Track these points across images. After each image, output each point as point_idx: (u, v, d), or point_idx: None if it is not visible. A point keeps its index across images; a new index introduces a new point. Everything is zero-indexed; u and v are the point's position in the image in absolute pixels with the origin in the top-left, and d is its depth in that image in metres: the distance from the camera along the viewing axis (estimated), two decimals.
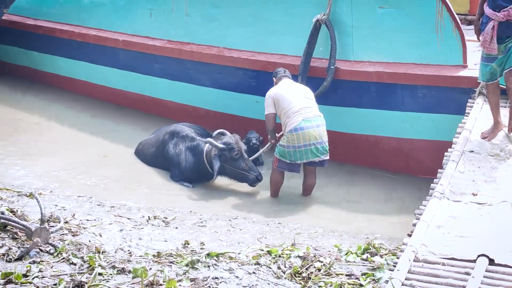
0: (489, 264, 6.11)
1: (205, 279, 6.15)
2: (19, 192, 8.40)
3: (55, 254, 6.44)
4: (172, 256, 6.62)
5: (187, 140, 9.85)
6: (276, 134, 9.30)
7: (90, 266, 6.23)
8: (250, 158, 9.52)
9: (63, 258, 6.38)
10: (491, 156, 7.35)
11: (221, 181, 9.76)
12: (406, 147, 9.65)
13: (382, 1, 9.38)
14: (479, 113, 8.73)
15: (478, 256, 6.18)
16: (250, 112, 10.64)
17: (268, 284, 6.20)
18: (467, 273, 5.99)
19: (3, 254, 6.36)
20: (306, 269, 6.42)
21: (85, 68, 12.73)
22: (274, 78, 9.49)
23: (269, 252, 6.80)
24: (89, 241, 6.90)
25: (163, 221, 7.93)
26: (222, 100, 11.01)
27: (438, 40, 9.04)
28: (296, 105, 9.02)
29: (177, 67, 11.32)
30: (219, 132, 9.69)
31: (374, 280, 6.20)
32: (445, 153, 8.23)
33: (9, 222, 6.81)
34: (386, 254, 6.80)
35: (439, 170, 7.91)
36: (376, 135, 9.81)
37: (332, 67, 9.58)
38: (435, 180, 7.70)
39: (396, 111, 9.54)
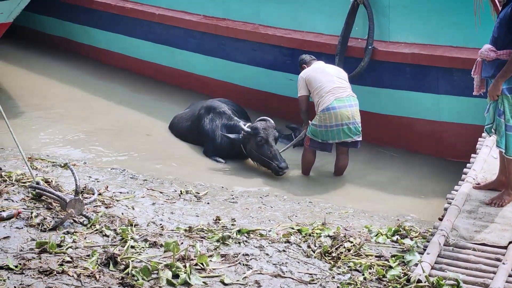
0: None
1: (235, 255, 6.22)
2: (53, 162, 8.52)
3: (89, 225, 6.56)
4: (203, 231, 6.70)
5: (224, 117, 9.86)
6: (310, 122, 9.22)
7: (123, 238, 6.33)
8: (283, 149, 9.49)
9: (96, 230, 6.50)
10: None
11: None
12: (439, 130, 9.58)
13: None
14: None
15: (510, 242, 6.19)
16: (283, 90, 10.64)
17: (298, 262, 6.24)
18: (498, 259, 6.01)
19: (38, 224, 6.49)
20: (336, 249, 6.46)
21: (121, 41, 12.79)
22: (304, 65, 9.45)
23: (299, 231, 6.86)
24: (122, 213, 7.01)
25: (195, 196, 7.98)
26: (256, 77, 11.01)
27: (476, 23, 8.93)
28: (328, 84, 9.01)
29: (212, 42, 11.33)
30: (262, 119, 9.62)
31: (403, 262, 6.23)
32: (479, 138, 8.19)
33: (44, 193, 6.94)
34: (416, 237, 6.82)
35: (472, 155, 7.89)
36: (409, 117, 9.75)
37: (370, 47, 9.52)
38: (468, 164, 7.68)
39: (431, 94, 9.48)
